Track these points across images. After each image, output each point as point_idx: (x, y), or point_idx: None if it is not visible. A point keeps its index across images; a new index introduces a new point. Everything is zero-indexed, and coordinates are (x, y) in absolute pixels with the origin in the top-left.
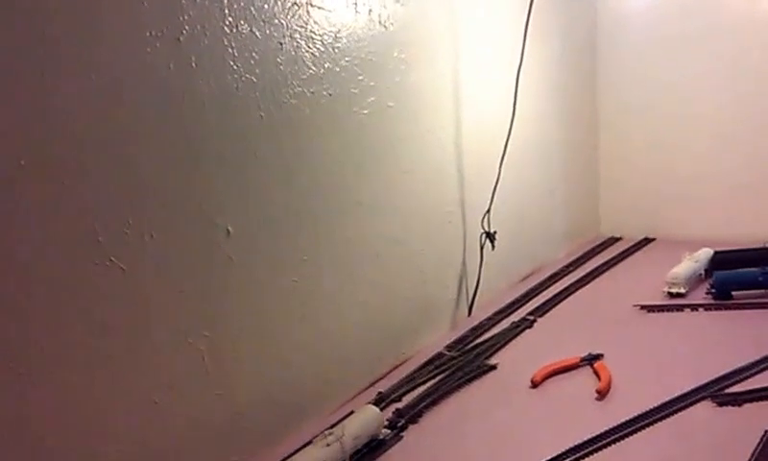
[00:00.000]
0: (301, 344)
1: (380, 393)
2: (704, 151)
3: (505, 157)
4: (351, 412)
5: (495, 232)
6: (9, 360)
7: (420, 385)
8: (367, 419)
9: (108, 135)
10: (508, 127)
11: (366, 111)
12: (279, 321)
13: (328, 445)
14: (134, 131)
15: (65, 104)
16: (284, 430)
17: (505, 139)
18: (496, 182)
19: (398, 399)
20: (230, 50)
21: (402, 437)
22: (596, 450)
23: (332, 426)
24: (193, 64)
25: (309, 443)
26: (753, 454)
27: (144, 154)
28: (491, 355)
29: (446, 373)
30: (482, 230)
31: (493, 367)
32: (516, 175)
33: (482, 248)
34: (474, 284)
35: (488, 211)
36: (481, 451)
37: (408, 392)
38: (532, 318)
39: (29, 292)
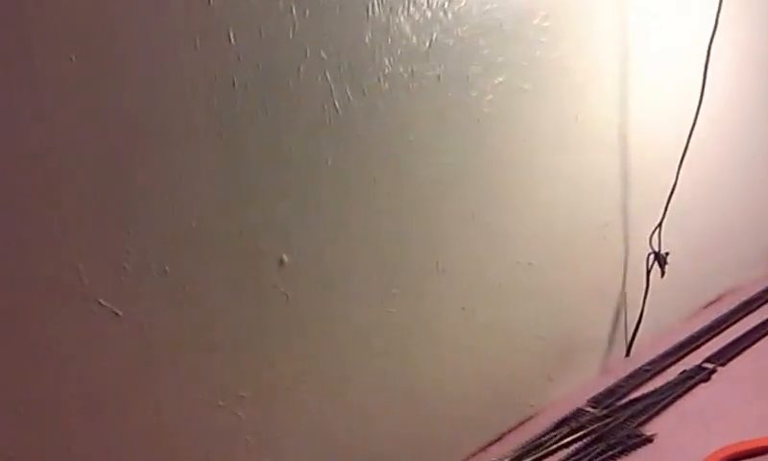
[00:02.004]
0: (385, 400)
1: None
2: None
3: (686, 155)
4: None
5: (668, 254)
6: None
7: (546, 456)
8: None
9: (104, 140)
10: (693, 115)
11: (489, 97)
12: (355, 371)
13: None
14: (137, 127)
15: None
16: None
17: (688, 132)
18: (673, 188)
19: None
20: (291, 14)
21: None
22: None
23: None
24: (231, 38)
25: None
26: None
27: (155, 159)
28: (647, 420)
29: (584, 440)
30: (650, 250)
31: (649, 439)
32: (702, 177)
33: (648, 272)
34: (636, 318)
35: (659, 225)
36: None
37: None
38: (710, 366)
39: None
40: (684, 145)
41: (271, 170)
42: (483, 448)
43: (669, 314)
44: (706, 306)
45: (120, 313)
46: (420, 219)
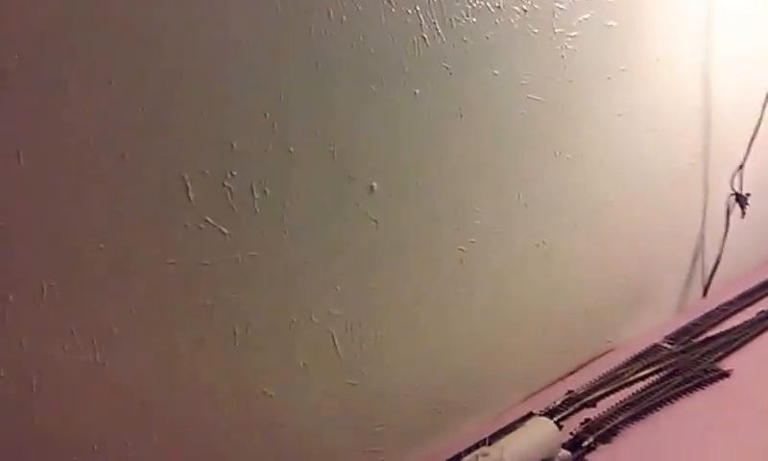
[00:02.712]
0: (466, 326)
1: (570, 391)
2: None
3: None
4: (531, 413)
5: (748, 195)
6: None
7: (623, 387)
8: (537, 437)
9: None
10: None
11: (574, 34)
12: (437, 298)
13: None
14: (242, 54)
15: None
16: (440, 430)
17: None
18: (757, 128)
19: (592, 403)
20: None
21: None
22: None
23: (490, 440)
24: None
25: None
26: None
27: (257, 82)
28: (724, 356)
29: (661, 374)
30: (731, 191)
31: (725, 374)
32: None
33: (728, 214)
34: (714, 259)
35: (740, 167)
36: None
37: (606, 395)
38: None
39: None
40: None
41: (362, 99)
42: (561, 378)
43: (747, 257)
44: None
45: (226, 232)
46: (503, 152)
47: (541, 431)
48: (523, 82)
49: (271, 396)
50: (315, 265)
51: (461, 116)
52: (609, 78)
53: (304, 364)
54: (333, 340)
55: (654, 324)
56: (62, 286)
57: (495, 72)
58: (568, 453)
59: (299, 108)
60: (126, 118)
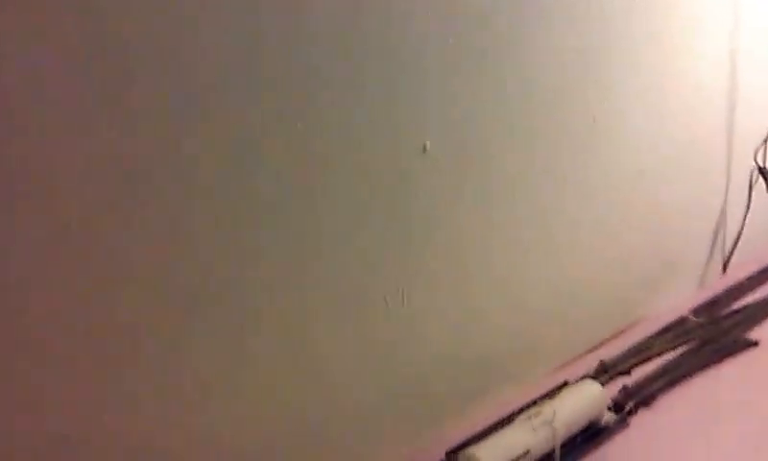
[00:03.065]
0: (506, 290)
1: (603, 362)
2: None
3: None
4: (564, 383)
5: None
6: None
7: (654, 357)
8: (586, 398)
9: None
10: None
11: None
12: (481, 261)
13: (535, 429)
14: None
15: None
16: (483, 395)
17: None
18: None
19: (627, 371)
20: None
21: (629, 424)
22: None
23: (540, 401)
24: None
25: (508, 420)
26: None
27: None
28: (751, 327)
29: (691, 345)
30: (755, 165)
31: (754, 343)
32: None
33: (751, 188)
34: (735, 234)
35: (765, 141)
36: (738, 456)
37: (638, 364)
38: None
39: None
40: None
41: (415, 58)
42: (590, 350)
43: (763, 233)
44: None
45: None
46: (545, 118)
47: (590, 393)
48: (565, 45)
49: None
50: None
51: (505, 77)
52: (644, 44)
53: (364, 330)
54: (387, 308)
55: (678, 298)
56: None
57: (544, 34)
58: (614, 415)
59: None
60: None
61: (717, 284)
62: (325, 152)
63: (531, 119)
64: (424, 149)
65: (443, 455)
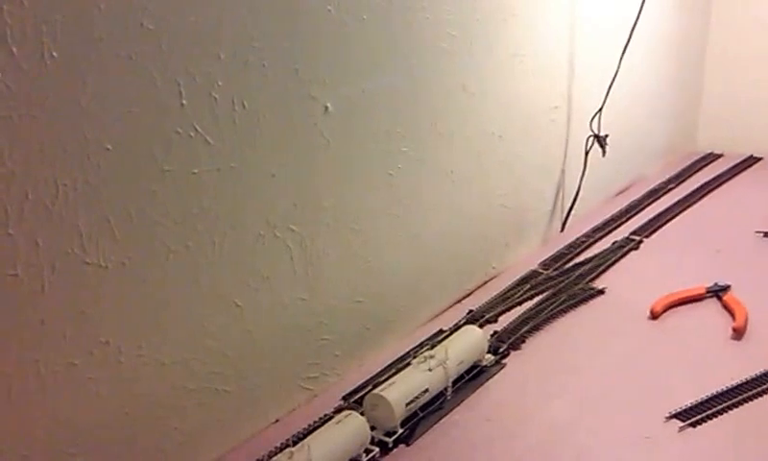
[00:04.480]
0: (392, 248)
1: (471, 311)
2: None
3: (628, 48)
4: (441, 331)
5: (607, 136)
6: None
7: (516, 306)
8: (470, 342)
9: None
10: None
11: None
12: (371, 219)
13: (430, 369)
14: None
15: None
16: (370, 344)
17: (630, 27)
18: (614, 77)
19: (494, 319)
20: None
21: (505, 365)
22: (749, 399)
23: (423, 347)
24: None
25: (401, 362)
26: None
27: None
28: (595, 278)
29: (546, 294)
30: (590, 133)
31: (601, 291)
32: (630, 72)
33: (587, 153)
34: (572, 195)
35: (599, 111)
36: (601, 389)
37: (504, 312)
38: (637, 238)
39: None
40: (627, 37)
41: (320, 23)
42: (460, 300)
43: (595, 194)
44: (618, 194)
45: (211, 142)
46: (424, 84)
47: (474, 336)
48: (445, 19)
49: (240, 306)
50: (279, 181)
51: (397, 47)
52: (504, 20)
53: (267, 277)
54: (291, 255)
55: (526, 253)
56: (73, 186)
57: (425, 11)
58: (492, 357)
59: (270, 28)
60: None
61: (558, 241)
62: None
63: (415, 85)
64: (326, 109)
65: (339, 400)
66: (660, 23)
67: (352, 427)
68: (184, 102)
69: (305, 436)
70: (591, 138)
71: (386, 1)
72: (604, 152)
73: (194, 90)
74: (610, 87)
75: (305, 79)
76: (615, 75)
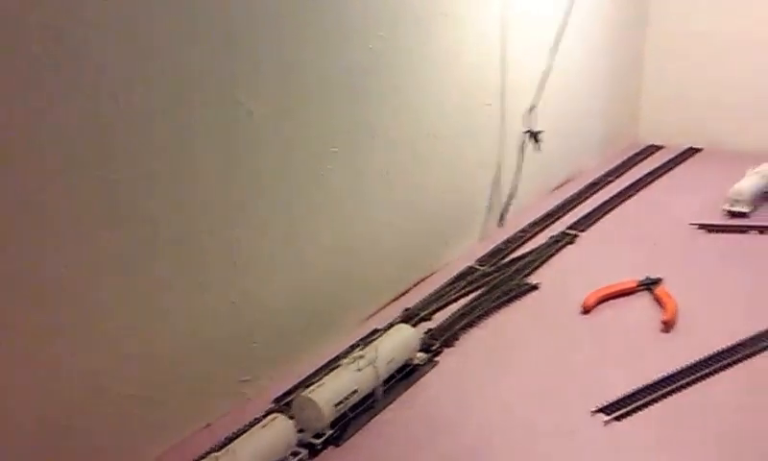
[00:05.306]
0: (326, 249)
1: (407, 309)
2: (763, 47)
3: (563, 44)
4: (376, 330)
5: (541, 131)
6: None
7: (451, 303)
8: (401, 341)
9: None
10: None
11: None
12: (303, 221)
13: (360, 370)
14: None
15: None
16: (304, 346)
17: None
18: (547, 74)
19: (429, 317)
20: None
21: (437, 362)
22: (673, 392)
23: (357, 347)
24: None
25: (334, 363)
26: None
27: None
28: (530, 273)
29: (481, 290)
30: (524, 129)
31: (535, 287)
32: (563, 68)
33: (522, 149)
34: (508, 191)
35: (533, 107)
36: (530, 383)
37: (439, 309)
38: (573, 233)
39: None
40: (555, 34)
41: (244, 26)
42: (396, 298)
43: (533, 188)
44: (557, 187)
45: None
46: (354, 85)
47: (405, 335)
48: (370, 28)
49: (169, 311)
50: (207, 185)
51: (327, 50)
52: (435, 19)
53: (199, 283)
54: (221, 259)
55: (464, 250)
56: None
57: (357, 12)
58: (424, 355)
59: (188, 28)
60: None
61: (496, 236)
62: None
63: (344, 87)
64: (251, 114)
65: (271, 403)
66: (596, 19)
67: (278, 430)
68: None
69: (232, 441)
70: (526, 134)
71: (312, 3)
72: (538, 147)
73: (117, 99)
74: (543, 83)
75: (229, 84)
76: (548, 71)
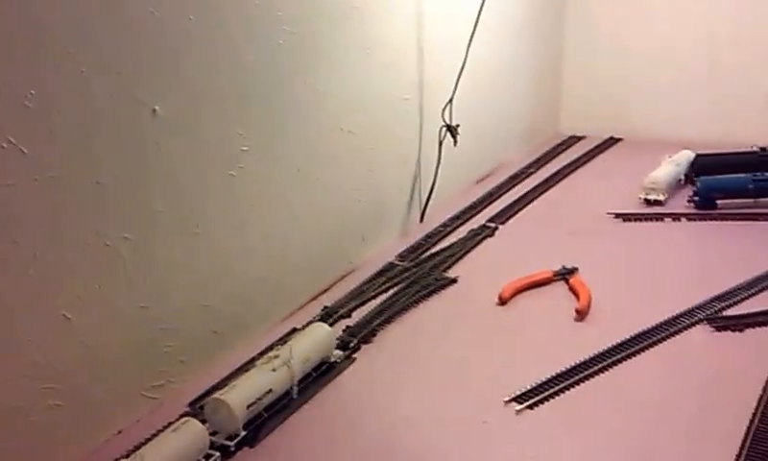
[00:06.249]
0: (240, 249)
1: (326, 307)
2: (680, 37)
3: (474, 37)
4: (294, 329)
5: (458, 125)
6: None
7: (371, 299)
8: (317, 339)
9: None
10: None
11: None
12: (214, 221)
13: (274, 370)
14: None
15: None
16: (220, 347)
17: (475, 18)
18: (462, 67)
19: (348, 314)
20: None
21: (355, 359)
22: (584, 379)
23: (275, 347)
24: None
25: (251, 364)
26: (765, 387)
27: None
28: (449, 267)
29: (400, 286)
30: (442, 123)
31: (454, 280)
32: (482, 60)
33: (441, 143)
34: (429, 185)
35: (450, 101)
36: (447, 377)
37: (358, 307)
38: (493, 225)
39: None
40: (472, 27)
41: (145, 24)
42: (316, 297)
43: (454, 183)
44: (480, 181)
45: (26, 152)
46: (261, 82)
47: (320, 333)
48: (282, 16)
49: (70, 319)
50: (107, 188)
51: (235, 47)
52: (346, 13)
53: (99, 287)
54: (125, 263)
55: (385, 246)
56: None
57: (256, 2)
58: (341, 352)
59: (87, 27)
60: None
61: (417, 231)
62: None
63: (252, 84)
64: (154, 112)
65: (185, 406)
66: (514, 12)
67: (189, 434)
68: None
69: (141, 446)
70: (444, 128)
71: (216, 1)
72: (455, 141)
73: (5, 100)
74: (459, 77)
75: (130, 82)
76: (463, 65)
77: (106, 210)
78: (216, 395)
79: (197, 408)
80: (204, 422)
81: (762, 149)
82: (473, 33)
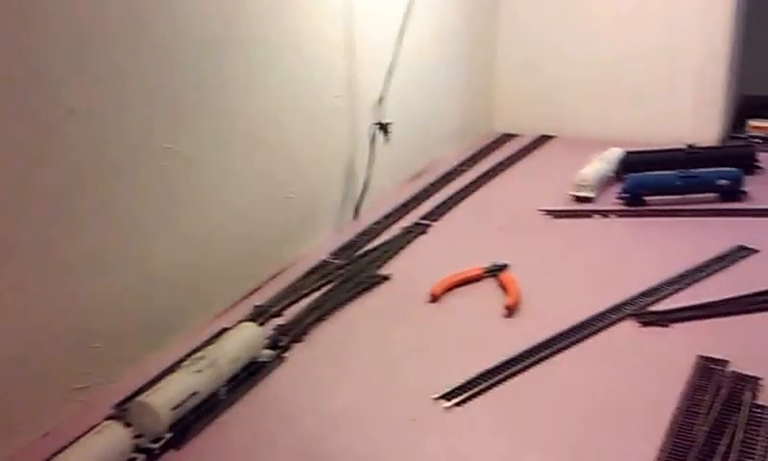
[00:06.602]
0: (165, 249)
1: (257, 306)
2: (610, 36)
3: (404, 36)
4: (224, 329)
5: (390, 123)
6: None
7: (302, 298)
8: (245, 339)
9: None
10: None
11: None
12: (139, 219)
13: (200, 371)
14: None
15: None
16: (149, 348)
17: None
18: (392, 64)
19: (279, 313)
20: None
21: (286, 358)
22: (513, 374)
23: (203, 347)
24: None
25: (176, 366)
26: (688, 381)
27: None
28: (382, 265)
29: (333, 284)
30: (373, 121)
31: (386, 278)
32: (414, 58)
33: (372, 141)
34: (362, 183)
35: (381, 99)
36: (377, 374)
37: (290, 305)
38: (426, 223)
39: None
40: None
41: (60, 21)
42: (247, 296)
43: (387, 180)
44: (413, 179)
45: None
46: (194, 78)
47: (248, 333)
48: (206, 9)
49: None
50: (20, 188)
51: (150, 42)
52: (272, 8)
53: (12, 286)
54: (41, 263)
55: (318, 243)
56: None
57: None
58: (271, 352)
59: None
60: None
61: (350, 229)
62: None
63: (172, 81)
64: (71, 111)
65: (111, 408)
66: (445, 9)
67: (110, 436)
68: None
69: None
70: (375, 126)
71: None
72: (388, 139)
73: None
74: (389, 75)
75: (44, 80)
76: (393, 62)
77: (21, 210)
78: (140, 397)
79: (122, 410)
80: (129, 424)
81: (690, 146)
82: (402, 29)
